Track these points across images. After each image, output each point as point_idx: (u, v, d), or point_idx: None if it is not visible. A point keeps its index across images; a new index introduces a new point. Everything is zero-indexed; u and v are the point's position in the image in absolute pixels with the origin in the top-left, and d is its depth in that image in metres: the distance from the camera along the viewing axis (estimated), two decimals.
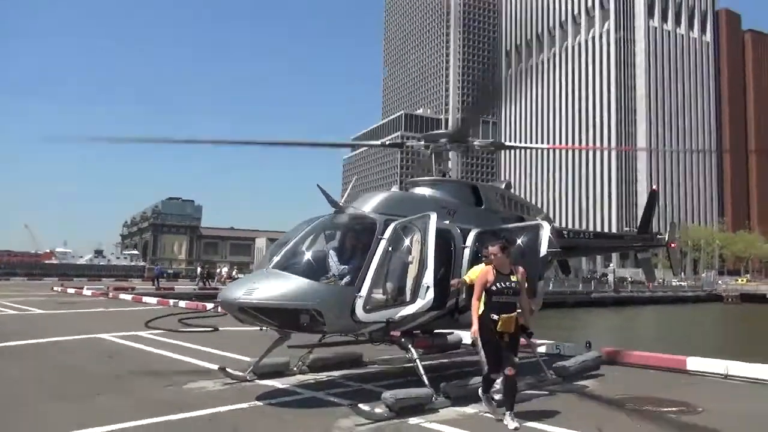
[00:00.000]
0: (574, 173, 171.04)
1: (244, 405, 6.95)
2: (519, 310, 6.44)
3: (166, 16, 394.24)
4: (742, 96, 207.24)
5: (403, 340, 7.74)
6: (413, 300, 7.35)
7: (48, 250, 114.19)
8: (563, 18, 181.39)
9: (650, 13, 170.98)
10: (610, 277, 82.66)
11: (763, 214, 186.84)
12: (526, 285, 6.68)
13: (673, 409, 7.17)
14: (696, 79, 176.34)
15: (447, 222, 8.64)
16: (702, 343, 28.83)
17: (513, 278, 6.33)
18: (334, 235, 8.07)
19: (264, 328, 7.44)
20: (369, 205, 8.29)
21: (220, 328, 14.57)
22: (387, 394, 6.58)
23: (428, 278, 7.36)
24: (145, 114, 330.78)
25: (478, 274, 7.29)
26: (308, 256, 7.57)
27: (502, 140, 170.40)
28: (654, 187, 20.15)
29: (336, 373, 9.11)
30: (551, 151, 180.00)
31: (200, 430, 6.06)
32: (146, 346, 11.94)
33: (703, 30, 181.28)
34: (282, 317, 7.00)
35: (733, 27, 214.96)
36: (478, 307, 6.40)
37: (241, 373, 8.46)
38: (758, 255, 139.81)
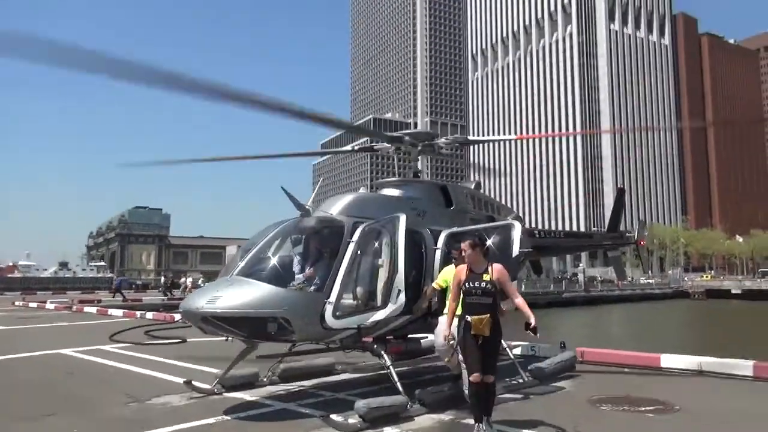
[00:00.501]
0: (542, 174, 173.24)
1: (211, 420, 6.61)
2: (511, 307, 6.00)
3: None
4: (701, 97, 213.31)
5: (375, 346, 7.51)
6: (384, 305, 7.12)
7: (11, 263, 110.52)
8: (527, 22, 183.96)
9: (611, 17, 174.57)
10: (580, 277, 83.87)
11: (723, 212, 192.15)
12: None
13: (650, 408, 7.10)
14: (656, 80, 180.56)
15: (417, 223, 8.45)
16: (674, 339, 29.26)
17: (486, 277, 5.79)
18: (300, 239, 7.79)
19: (229, 338, 7.10)
20: (336, 207, 8.05)
21: (188, 340, 14.16)
22: (360, 404, 6.33)
23: (399, 282, 7.14)
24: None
25: (447, 276, 7.10)
26: (274, 261, 7.28)
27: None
28: (620, 186, 20.38)
29: (307, 383, 8.82)
30: (518, 153, 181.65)
31: None
32: (110, 361, 11.42)
33: (661, 33, 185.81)
34: (248, 326, 6.69)
35: (690, 30, 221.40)
36: (453, 309, 6.03)
37: (208, 387, 8.10)
38: (721, 251, 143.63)
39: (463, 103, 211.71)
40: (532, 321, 5.74)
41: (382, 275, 7.26)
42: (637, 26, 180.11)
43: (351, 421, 6.28)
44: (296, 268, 7.38)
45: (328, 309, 6.83)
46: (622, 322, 45.90)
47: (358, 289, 7.24)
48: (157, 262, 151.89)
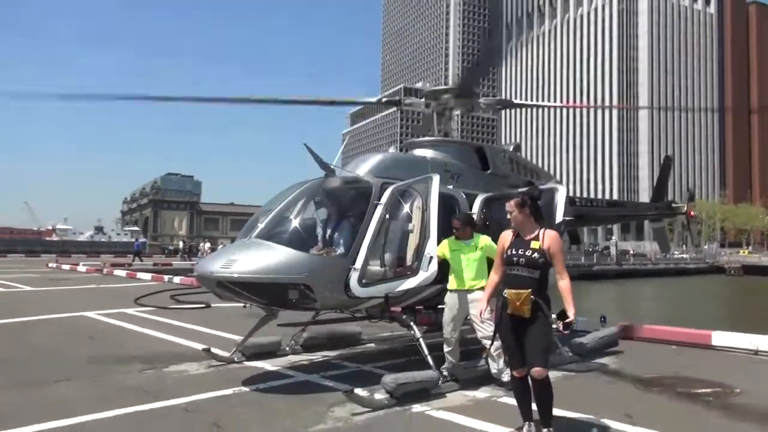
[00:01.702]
0: (575, 145, 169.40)
1: (228, 391, 6.19)
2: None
3: None
4: (746, 69, 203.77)
5: (404, 317, 6.95)
6: (415, 272, 6.52)
7: (50, 227, 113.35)
8: None
9: None
10: (612, 250, 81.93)
11: (764, 187, 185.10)
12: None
13: (708, 390, 6.43)
14: (699, 51, 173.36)
15: (450, 187, 7.80)
16: (715, 315, 28.17)
17: (534, 245, 4.65)
18: (324, 201, 7.22)
19: (247, 305, 6.62)
20: (363, 167, 7.41)
21: (212, 305, 13.88)
22: (387, 378, 5.82)
23: (431, 248, 6.51)
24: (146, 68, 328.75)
25: (443, 249, 6.55)
26: (295, 224, 6.72)
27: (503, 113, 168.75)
28: (668, 153, 19.27)
29: (332, 353, 8.37)
30: (554, 121, 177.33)
31: (171, 424, 5.25)
32: (132, 325, 11.18)
33: (707, 2, 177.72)
34: (266, 293, 6.17)
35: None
36: (494, 283, 5.02)
37: (227, 354, 7.71)
38: (759, 227, 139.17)
39: (496, 73, 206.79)
40: (572, 315, 4.55)
41: (413, 241, 6.64)
42: None
43: (378, 396, 5.79)
44: (319, 231, 6.84)
45: (354, 276, 6.27)
46: (657, 297, 44.64)
47: (387, 256, 6.67)
48: (189, 229, 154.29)
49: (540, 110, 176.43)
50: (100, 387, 6.43)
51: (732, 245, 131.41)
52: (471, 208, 7.76)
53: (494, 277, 5.05)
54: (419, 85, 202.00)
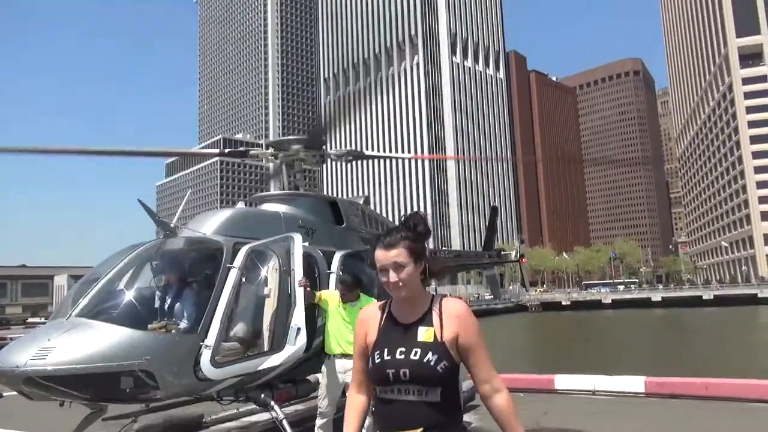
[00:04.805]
0: (391, 193, 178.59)
1: None
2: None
3: None
4: (530, 126, 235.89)
5: (263, 396, 6.07)
6: (280, 347, 5.74)
7: None
8: (377, 50, 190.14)
9: (453, 50, 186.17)
10: None
11: (552, 232, 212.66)
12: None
13: None
14: (494, 110, 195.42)
15: (306, 244, 7.20)
16: (533, 355, 30.46)
17: (427, 335, 2.34)
18: (165, 266, 6.13)
19: (66, 402, 5.26)
20: (209, 225, 6.49)
21: (4, 394, 11.38)
22: None
23: (299, 318, 5.78)
24: None
25: (331, 296, 6.02)
26: (130, 296, 5.59)
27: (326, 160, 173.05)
28: (494, 204, 20.79)
29: None
30: (368, 173, 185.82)
31: None
32: None
33: (497, 68, 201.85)
34: (95, 386, 4.94)
35: (520, 66, 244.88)
36: (360, 410, 2.53)
37: None
38: (550, 267, 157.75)
39: (316, 125, 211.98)
40: None
41: (276, 309, 5.88)
42: (476, 60, 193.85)
43: None
44: (160, 303, 5.75)
45: (205, 355, 5.33)
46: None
47: (245, 328, 5.81)
48: None
49: (357, 162, 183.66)
50: None
51: (530, 284, 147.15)
52: (330, 267, 7.21)
53: (358, 401, 2.52)
54: (239, 136, 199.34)
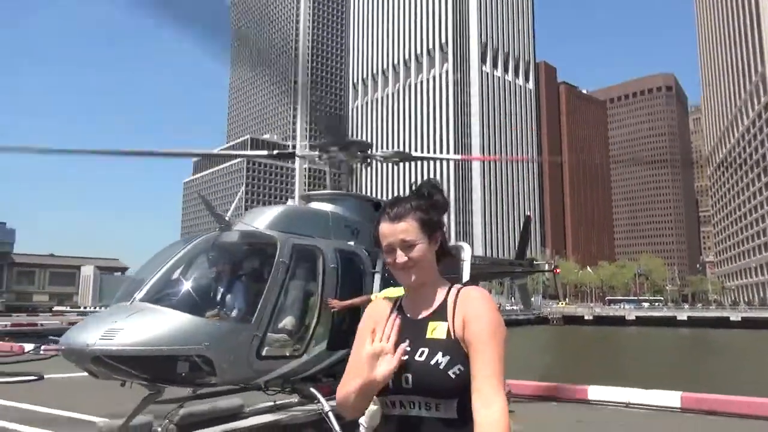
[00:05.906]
0: None
1: None
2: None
3: None
4: (558, 137, 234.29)
5: (311, 388, 6.25)
6: (327, 342, 5.93)
7: None
8: (407, 56, 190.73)
9: (483, 60, 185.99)
10: None
11: (576, 245, 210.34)
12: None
13: None
14: (521, 120, 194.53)
15: (352, 243, 7.38)
16: (558, 366, 30.24)
17: (438, 331, 1.79)
18: (221, 258, 6.35)
19: (127, 382, 5.49)
20: (263, 220, 6.71)
21: (46, 376, 11.79)
22: None
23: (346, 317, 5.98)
24: None
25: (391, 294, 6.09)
26: (189, 285, 5.81)
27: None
28: (528, 213, 20.86)
29: (210, 431, 7.31)
30: (393, 174, 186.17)
31: None
32: None
33: (526, 78, 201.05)
34: (157, 368, 5.17)
35: (550, 78, 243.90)
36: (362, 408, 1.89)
37: None
38: (573, 281, 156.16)
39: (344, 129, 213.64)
40: None
41: (326, 306, 6.08)
42: (505, 70, 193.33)
43: None
44: (217, 293, 5.97)
45: (258, 345, 5.53)
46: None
47: (295, 321, 6.00)
48: None
49: (389, 165, 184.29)
50: None
51: (552, 297, 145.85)
52: (374, 266, 7.37)
53: (353, 395, 1.87)
54: (266, 136, 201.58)
